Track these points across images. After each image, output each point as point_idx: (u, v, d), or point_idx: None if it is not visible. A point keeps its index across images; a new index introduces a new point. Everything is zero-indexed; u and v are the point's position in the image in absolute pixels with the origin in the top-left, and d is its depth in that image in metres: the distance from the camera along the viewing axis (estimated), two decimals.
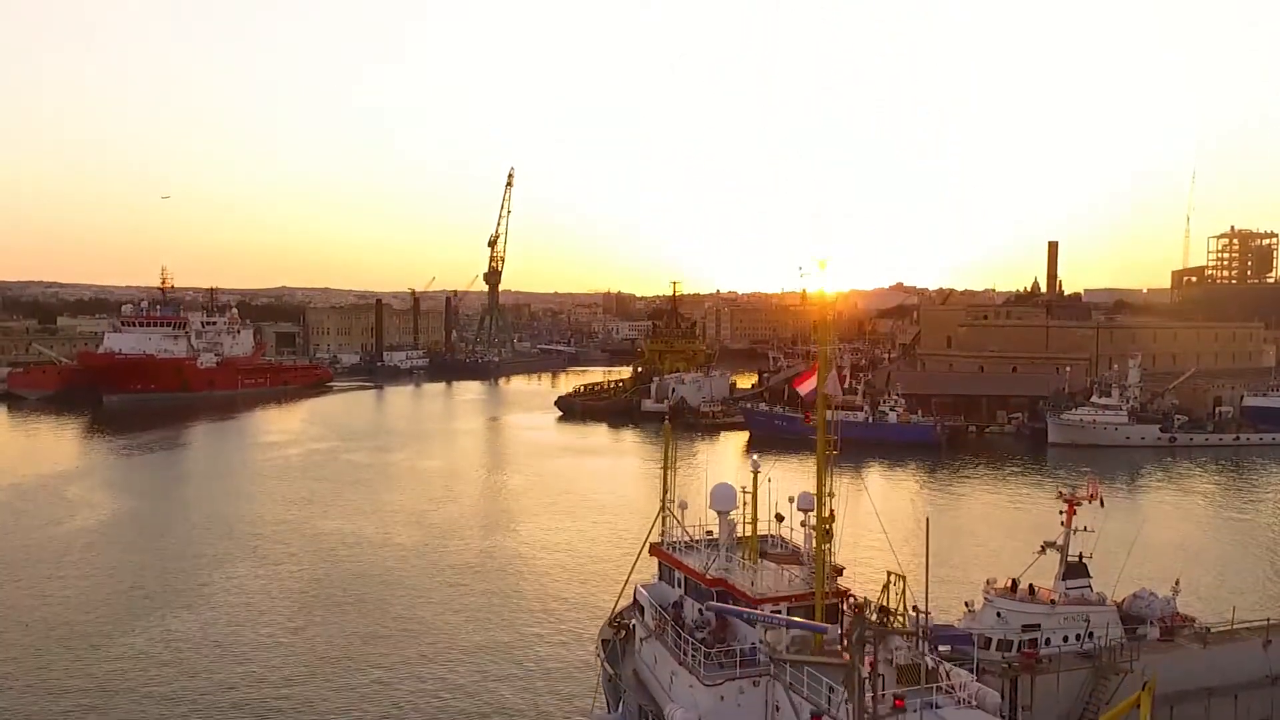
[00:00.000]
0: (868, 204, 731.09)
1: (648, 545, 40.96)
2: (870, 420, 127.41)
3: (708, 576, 35.05)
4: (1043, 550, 42.47)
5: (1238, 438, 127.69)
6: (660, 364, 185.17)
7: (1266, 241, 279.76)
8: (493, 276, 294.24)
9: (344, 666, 48.30)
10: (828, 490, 32.82)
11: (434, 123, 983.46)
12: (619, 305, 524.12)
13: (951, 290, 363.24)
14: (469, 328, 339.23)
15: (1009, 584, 42.18)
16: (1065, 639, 39.92)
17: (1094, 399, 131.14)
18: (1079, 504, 42.74)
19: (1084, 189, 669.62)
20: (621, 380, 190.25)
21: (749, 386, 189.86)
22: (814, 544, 33.69)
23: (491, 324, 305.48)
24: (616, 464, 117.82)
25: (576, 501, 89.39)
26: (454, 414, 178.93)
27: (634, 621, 39.57)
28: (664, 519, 41.26)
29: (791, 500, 37.44)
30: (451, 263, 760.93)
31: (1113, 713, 31.27)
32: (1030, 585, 41.68)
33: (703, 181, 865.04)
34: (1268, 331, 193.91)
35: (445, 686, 45.97)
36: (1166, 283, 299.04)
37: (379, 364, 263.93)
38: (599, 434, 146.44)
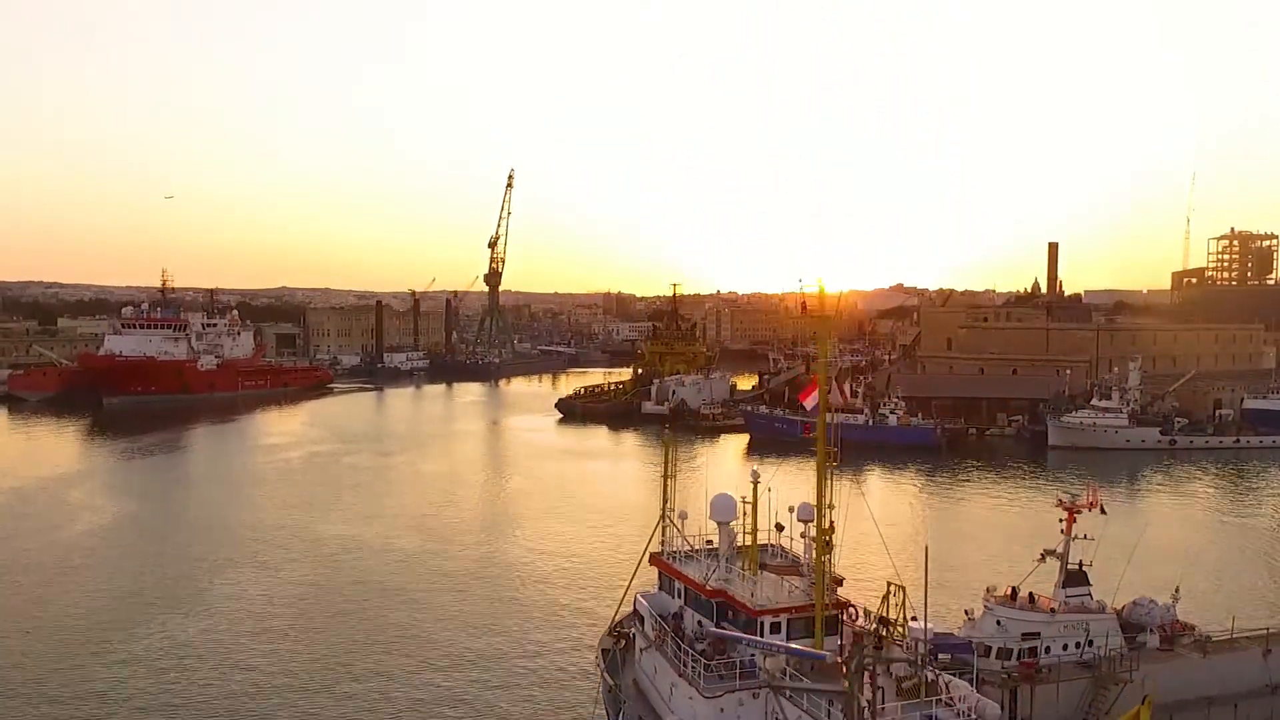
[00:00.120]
0: (868, 204, 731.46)
1: (647, 555, 40.96)
2: (870, 423, 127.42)
3: (707, 587, 35.08)
4: (1042, 558, 42.50)
5: (1238, 440, 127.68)
6: (660, 366, 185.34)
7: (1266, 243, 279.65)
8: (493, 278, 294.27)
9: (344, 674, 48.33)
10: (828, 501, 32.85)
11: (434, 123, 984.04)
12: (619, 306, 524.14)
13: (952, 291, 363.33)
14: (469, 329, 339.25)
15: (1009, 592, 42.19)
16: (1065, 647, 39.96)
17: (1094, 401, 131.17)
18: (1079, 512, 42.76)
19: (1084, 189, 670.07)
20: (622, 382, 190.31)
21: (749, 388, 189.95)
22: (814, 555, 33.74)
23: (492, 325, 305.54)
24: (616, 467, 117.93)
25: (576, 506, 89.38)
26: (454, 416, 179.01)
27: (634, 631, 39.60)
28: (664, 528, 41.28)
29: (791, 510, 37.49)
30: (451, 263, 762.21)
31: None
32: (1030, 593, 41.69)
33: (703, 181, 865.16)
34: (1268, 333, 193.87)
35: (445, 695, 46.01)
36: (1167, 284, 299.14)
37: (379, 365, 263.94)
38: (599, 436, 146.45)
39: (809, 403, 32.59)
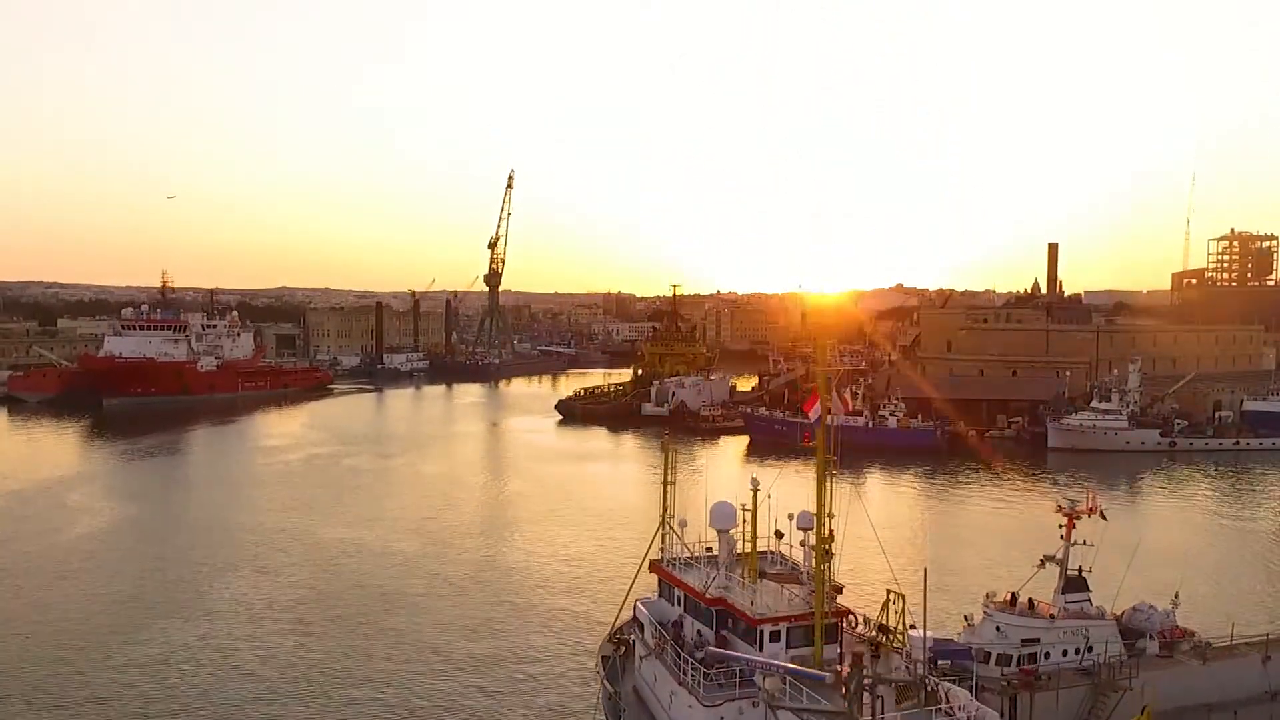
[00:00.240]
0: (868, 204, 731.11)
1: (647, 561, 40.98)
2: (870, 425, 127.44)
3: (707, 595, 35.11)
4: (1042, 564, 42.54)
5: (1237, 442, 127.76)
6: (660, 367, 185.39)
7: (1266, 244, 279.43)
8: (493, 278, 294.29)
9: (344, 680, 48.33)
10: (828, 510, 32.88)
11: (434, 123, 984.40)
12: (619, 306, 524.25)
13: (952, 291, 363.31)
14: (469, 329, 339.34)
15: (1008, 598, 42.24)
16: (1065, 653, 40.00)
17: (1094, 404, 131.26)
18: (1079, 518, 42.80)
19: (1084, 190, 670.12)
20: (621, 384, 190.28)
21: (749, 389, 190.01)
22: (813, 563, 33.75)
23: (492, 326, 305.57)
24: (616, 470, 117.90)
25: (576, 509, 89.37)
26: (454, 418, 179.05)
27: (634, 638, 39.61)
28: (663, 535, 41.29)
29: (791, 517, 37.50)
30: (451, 263, 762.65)
31: None
32: (1030, 599, 41.74)
33: (703, 181, 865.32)
34: (1268, 334, 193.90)
35: (444, 701, 46.03)
36: (1166, 284, 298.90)
37: (379, 366, 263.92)
38: (599, 438, 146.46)
39: (813, 414, 32.57)
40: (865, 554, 50.94)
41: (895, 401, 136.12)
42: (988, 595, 42.96)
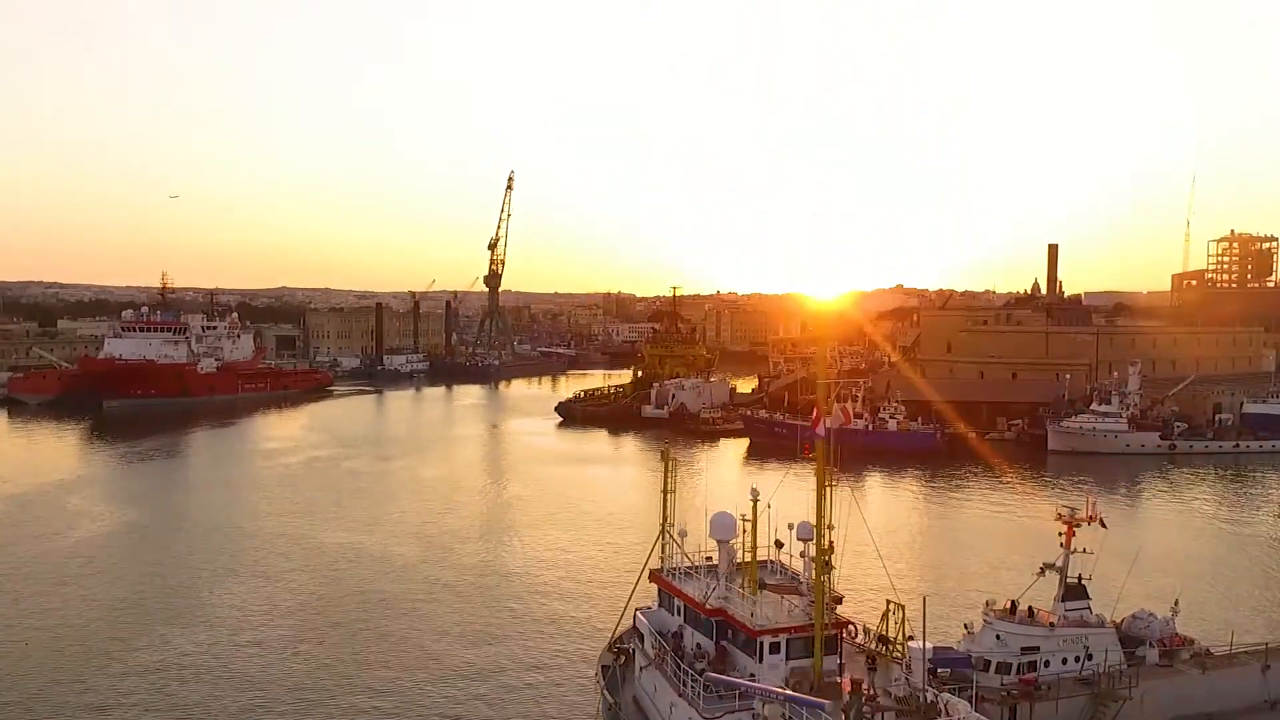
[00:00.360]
0: (868, 204, 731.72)
1: (647, 571, 40.95)
2: (870, 428, 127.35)
3: (707, 606, 35.10)
4: (1042, 572, 42.53)
5: (1237, 445, 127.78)
6: (660, 369, 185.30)
7: (1266, 245, 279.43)
8: (493, 279, 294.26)
9: (344, 689, 48.26)
10: (828, 521, 32.87)
11: (434, 123, 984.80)
12: (619, 307, 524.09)
13: (952, 292, 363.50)
14: (469, 330, 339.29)
15: (1008, 605, 42.26)
16: (1064, 661, 40.01)
17: (1094, 406, 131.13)
18: (1078, 525, 42.80)
19: (1084, 190, 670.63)
20: (621, 386, 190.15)
21: (749, 391, 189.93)
22: (813, 574, 33.75)
23: (492, 327, 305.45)
24: (617, 473, 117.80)
25: (576, 514, 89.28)
26: (454, 420, 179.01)
27: (634, 647, 39.60)
28: (663, 544, 41.26)
29: (791, 527, 37.49)
30: (452, 263, 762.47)
31: None
32: (1030, 607, 41.74)
33: (703, 181, 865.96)
34: (1268, 335, 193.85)
35: (443, 709, 45.99)
36: (1166, 285, 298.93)
37: (379, 368, 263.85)
38: (599, 441, 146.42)
39: (820, 429, 32.51)
40: (865, 559, 50.94)
41: (895, 404, 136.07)
42: (987, 603, 42.98)
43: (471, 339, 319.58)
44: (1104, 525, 43.40)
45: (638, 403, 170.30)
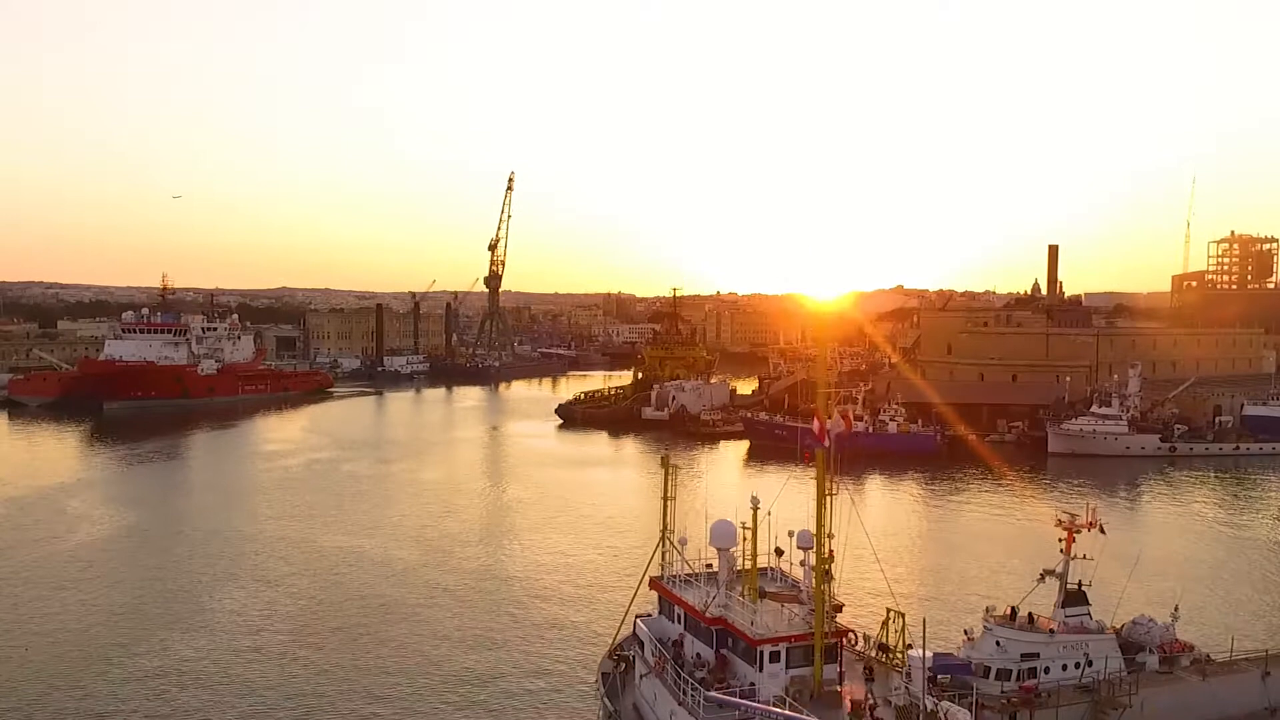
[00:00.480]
0: (868, 205, 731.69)
1: (647, 578, 40.90)
2: (870, 430, 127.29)
3: (707, 614, 35.07)
4: (1042, 578, 42.54)
5: (1237, 447, 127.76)
6: (661, 370, 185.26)
7: (1267, 247, 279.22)
8: (493, 280, 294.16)
9: (343, 695, 48.20)
10: (828, 530, 32.85)
11: (434, 123, 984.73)
12: (619, 307, 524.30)
13: (952, 293, 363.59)
14: (469, 330, 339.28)
15: (1008, 612, 42.23)
16: (1064, 668, 39.99)
17: (1094, 408, 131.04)
18: (1078, 532, 42.79)
19: (1084, 191, 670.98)
20: (622, 387, 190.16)
21: (749, 393, 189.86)
22: (813, 582, 33.72)
23: (492, 328, 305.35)
24: (617, 476, 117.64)
25: (576, 517, 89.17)
26: (454, 422, 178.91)
27: (634, 654, 39.57)
28: (664, 551, 41.21)
29: (791, 534, 37.45)
30: (452, 262, 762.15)
31: None
32: (1030, 613, 41.73)
33: (703, 181, 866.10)
34: (1268, 337, 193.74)
35: (443, 717, 45.91)
36: (1166, 286, 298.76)
37: (379, 369, 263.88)
38: (599, 443, 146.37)
39: (824, 438, 32.44)
40: (864, 563, 50.97)
41: (895, 406, 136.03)
42: (987, 609, 42.98)
43: (472, 340, 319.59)
44: (1103, 532, 43.36)
45: (638, 404, 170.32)
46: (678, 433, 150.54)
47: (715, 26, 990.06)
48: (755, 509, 36.35)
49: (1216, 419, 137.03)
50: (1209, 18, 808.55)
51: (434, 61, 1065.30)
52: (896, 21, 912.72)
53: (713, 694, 32.16)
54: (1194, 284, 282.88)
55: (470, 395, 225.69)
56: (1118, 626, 43.17)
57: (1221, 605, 63.06)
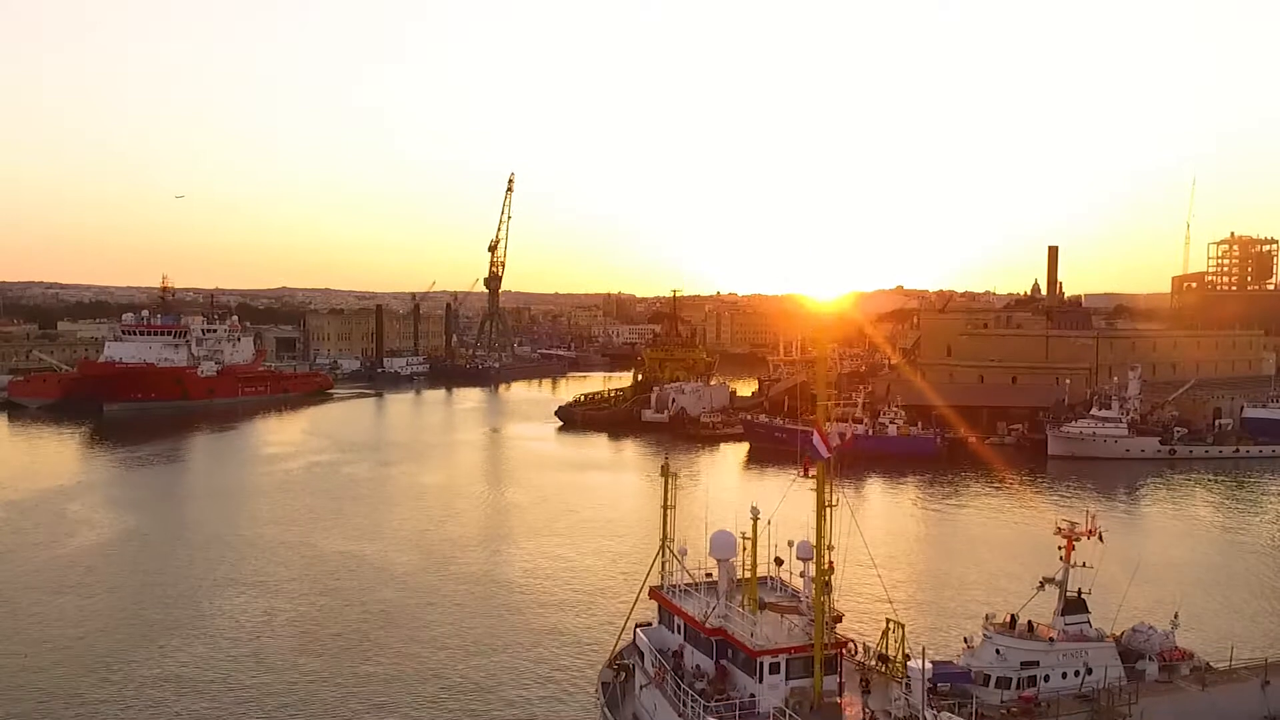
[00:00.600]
0: (868, 205, 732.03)
1: (647, 587, 40.90)
2: (870, 433, 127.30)
3: (707, 625, 35.08)
4: (1041, 586, 42.51)
5: (1237, 450, 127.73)
6: (660, 372, 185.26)
7: (1267, 248, 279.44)
8: (493, 282, 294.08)
9: (342, 703, 48.20)
10: (828, 542, 32.87)
11: (434, 123, 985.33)
12: (619, 308, 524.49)
13: (952, 293, 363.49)
14: (469, 331, 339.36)
15: (1008, 619, 42.22)
16: (1064, 676, 39.97)
17: (1094, 411, 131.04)
18: (1078, 539, 42.79)
19: (1084, 192, 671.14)
20: (621, 389, 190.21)
21: (749, 394, 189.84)
22: (813, 593, 33.74)
23: (492, 329, 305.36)
24: (617, 479, 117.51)
25: (577, 522, 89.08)
26: (454, 424, 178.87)
27: (634, 663, 39.58)
28: (663, 560, 41.19)
29: (791, 544, 37.45)
30: (452, 263, 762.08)
31: None
32: (1029, 621, 41.71)
33: (703, 182, 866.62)
34: (1268, 338, 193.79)
35: None
36: (1166, 287, 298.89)
37: (379, 370, 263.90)
38: (599, 445, 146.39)
39: (823, 449, 32.45)
40: (864, 569, 50.90)
41: (895, 409, 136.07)
42: (987, 617, 42.95)
43: (471, 341, 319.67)
44: (1101, 540, 43.37)
45: (638, 407, 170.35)
46: (677, 435, 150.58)
47: (715, 27, 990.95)
48: (755, 519, 36.34)
49: (1216, 421, 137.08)
50: (1209, 18, 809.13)
51: (434, 61, 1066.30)
52: (896, 21, 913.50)
53: (715, 706, 32.21)
54: (1194, 285, 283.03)
55: (470, 397, 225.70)
56: (1117, 634, 43.13)
57: (1221, 611, 63.09)
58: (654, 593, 40.33)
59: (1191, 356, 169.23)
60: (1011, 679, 39.19)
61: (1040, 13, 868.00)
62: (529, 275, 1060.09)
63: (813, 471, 32.75)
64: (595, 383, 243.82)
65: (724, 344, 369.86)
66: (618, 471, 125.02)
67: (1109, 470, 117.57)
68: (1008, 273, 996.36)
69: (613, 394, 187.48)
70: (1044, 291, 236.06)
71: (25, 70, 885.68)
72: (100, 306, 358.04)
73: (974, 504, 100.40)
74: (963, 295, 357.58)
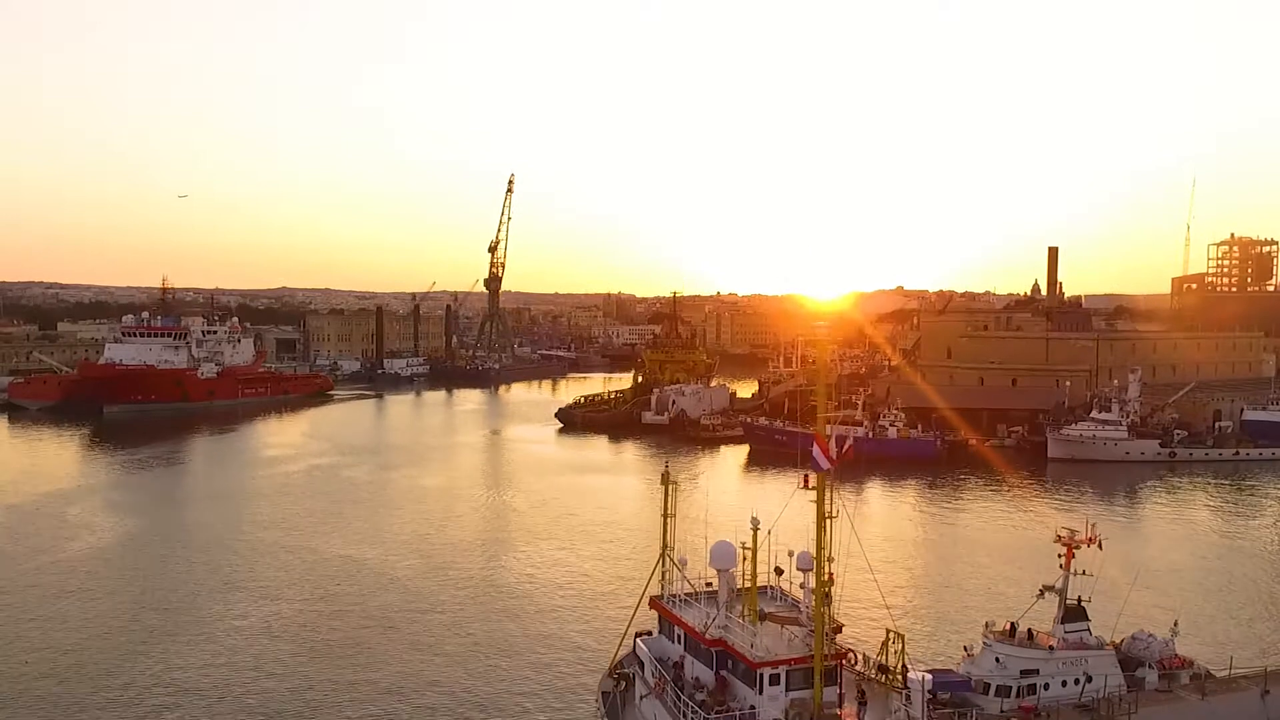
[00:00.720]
0: (868, 204, 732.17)
1: (647, 597, 40.90)
2: (871, 435, 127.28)
3: (707, 636, 35.10)
4: (1041, 594, 42.56)
5: (1237, 453, 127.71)
6: (661, 374, 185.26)
7: (1267, 249, 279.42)
8: (493, 283, 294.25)
9: (341, 714, 48.21)
10: (828, 554, 32.90)
11: (434, 123, 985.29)
12: (619, 308, 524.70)
13: (952, 294, 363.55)
14: (469, 332, 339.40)
15: (1008, 627, 42.25)
16: (1064, 684, 40.00)
17: (1094, 414, 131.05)
18: (1078, 547, 42.82)
19: (1084, 192, 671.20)
20: (621, 391, 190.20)
21: (749, 396, 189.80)
22: (813, 604, 33.77)
23: (492, 330, 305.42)
24: (618, 483, 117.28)
25: (576, 526, 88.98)
26: (454, 426, 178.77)
27: (634, 672, 39.60)
28: (664, 569, 41.19)
29: (791, 554, 37.47)
30: (452, 263, 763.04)
31: None
32: (1029, 629, 41.75)
33: (703, 182, 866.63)
34: (1268, 340, 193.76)
35: None
36: (1166, 288, 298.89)
37: (379, 371, 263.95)
38: (600, 448, 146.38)
39: (823, 461, 32.47)
40: (864, 574, 50.91)
41: (895, 411, 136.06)
42: (987, 624, 42.99)
43: (472, 342, 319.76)
44: (1101, 548, 43.40)
45: (638, 409, 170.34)
46: (678, 438, 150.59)
47: (715, 27, 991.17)
48: (755, 529, 36.36)
49: (1216, 424, 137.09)
50: (1209, 18, 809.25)
51: (434, 61, 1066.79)
52: (897, 21, 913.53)
53: (714, 716, 32.17)
54: (1194, 286, 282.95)
55: (470, 398, 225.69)
56: (1117, 641, 43.16)
57: (1220, 617, 63.09)
58: (654, 602, 40.33)
59: (1191, 358, 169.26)
60: (1011, 687, 39.21)
61: (1040, 13, 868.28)
62: (529, 275, 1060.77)
63: (813, 483, 32.76)
64: (595, 384, 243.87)
65: (724, 344, 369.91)
66: (618, 475, 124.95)
67: (1109, 473, 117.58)
68: (1008, 273, 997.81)
69: (613, 396, 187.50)
70: (1044, 292, 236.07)
71: (25, 70, 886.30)
72: (100, 307, 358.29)
73: (973, 507, 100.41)
74: (963, 295, 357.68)
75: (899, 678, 35.70)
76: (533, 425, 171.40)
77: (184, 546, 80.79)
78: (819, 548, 33.06)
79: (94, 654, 55.55)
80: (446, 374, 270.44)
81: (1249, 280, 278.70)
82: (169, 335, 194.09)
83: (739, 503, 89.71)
